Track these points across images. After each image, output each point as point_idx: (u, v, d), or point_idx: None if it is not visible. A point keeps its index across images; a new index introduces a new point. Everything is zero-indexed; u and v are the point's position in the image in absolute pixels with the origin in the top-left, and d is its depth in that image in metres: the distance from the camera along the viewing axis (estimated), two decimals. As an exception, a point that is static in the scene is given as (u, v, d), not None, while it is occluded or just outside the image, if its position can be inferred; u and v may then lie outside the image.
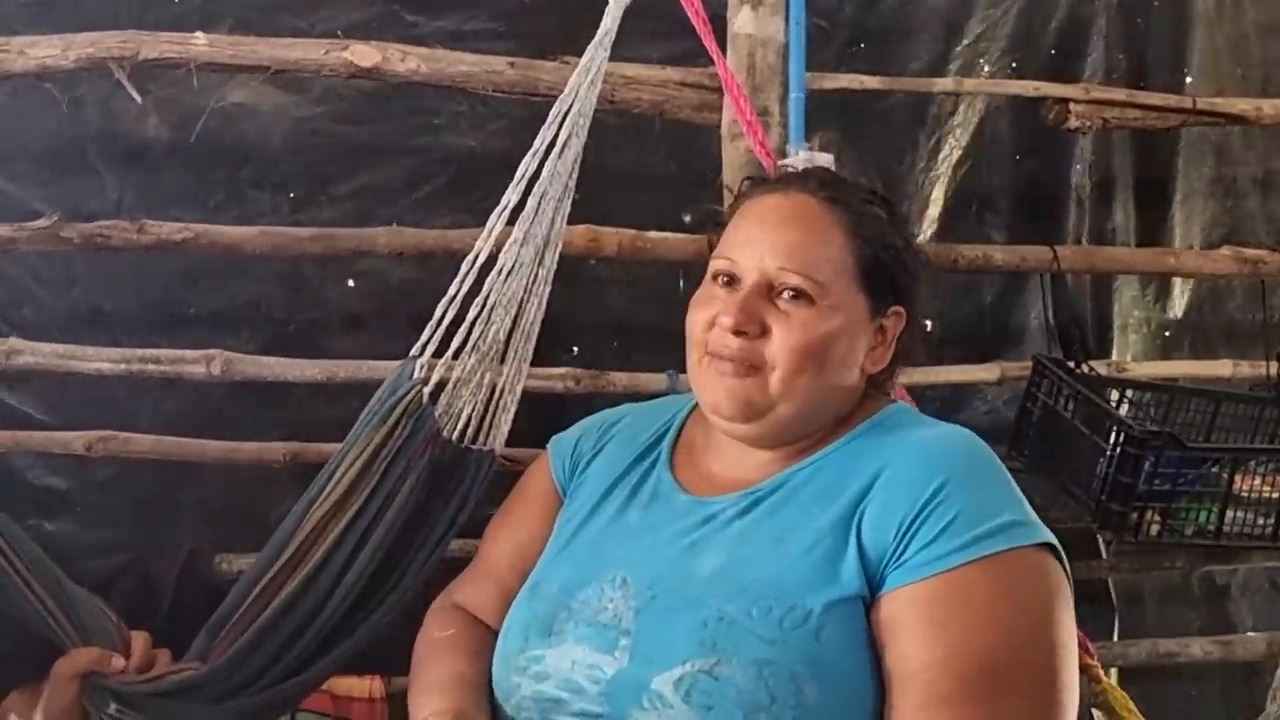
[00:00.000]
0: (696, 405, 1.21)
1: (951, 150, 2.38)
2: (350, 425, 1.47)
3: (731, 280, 1.12)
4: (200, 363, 1.92)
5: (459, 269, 1.50)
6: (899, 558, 0.98)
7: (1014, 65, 2.34)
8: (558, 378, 2.04)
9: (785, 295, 1.08)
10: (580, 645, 1.05)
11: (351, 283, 2.09)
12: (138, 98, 1.87)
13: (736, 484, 1.12)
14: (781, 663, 0.95)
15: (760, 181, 1.22)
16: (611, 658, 1.02)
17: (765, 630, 0.97)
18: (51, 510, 1.96)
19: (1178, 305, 2.52)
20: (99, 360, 1.90)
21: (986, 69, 2.34)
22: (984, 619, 0.94)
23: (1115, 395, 2.15)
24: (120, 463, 1.93)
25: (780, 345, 1.07)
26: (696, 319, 1.13)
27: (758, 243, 1.11)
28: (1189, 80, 2.44)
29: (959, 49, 2.35)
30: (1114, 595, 2.45)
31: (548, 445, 1.34)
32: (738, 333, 1.08)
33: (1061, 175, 2.45)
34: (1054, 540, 1.00)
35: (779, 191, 1.15)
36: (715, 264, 1.15)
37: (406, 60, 1.93)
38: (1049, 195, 2.45)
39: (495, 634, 1.20)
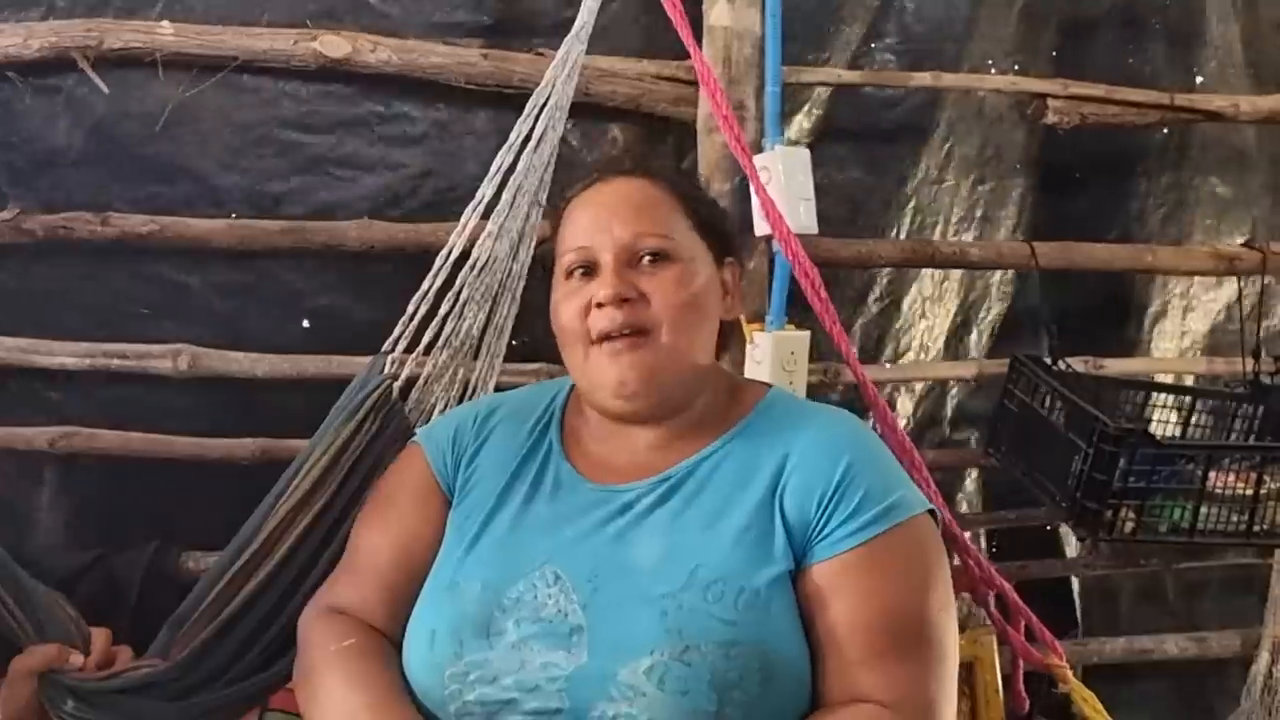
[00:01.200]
0: (571, 391, 1.26)
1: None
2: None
3: (589, 269, 1.17)
4: (166, 357, 1.89)
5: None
6: (821, 532, 1.08)
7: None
8: (530, 373, 2.02)
9: (646, 260, 1.15)
10: (528, 643, 1.04)
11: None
12: (104, 88, 1.84)
13: (639, 470, 1.15)
14: (744, 642, 1.01)
15: (575, 183, 1.26)
16: (567, 653, 1.03)
17: (724, 613, 1.02)
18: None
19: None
20: (63, 355, 1.86)
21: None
22: (901, 581, 1.07)
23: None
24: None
25: (661, 305, 1.13)
26: (567, 312, 1.16)
27: (603, 222, 1.17)
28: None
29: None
30: (1076, 593, 2.45)
31: (416, 439, 1.30)
32: (621, 301, 1.12)
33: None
34: (932, 505, 1.14)
35: (599, 182, 1.22)
36: (566, 259, 1.18)
37: (377, 51, 1.90)
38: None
39: (389, 638, 1.16)
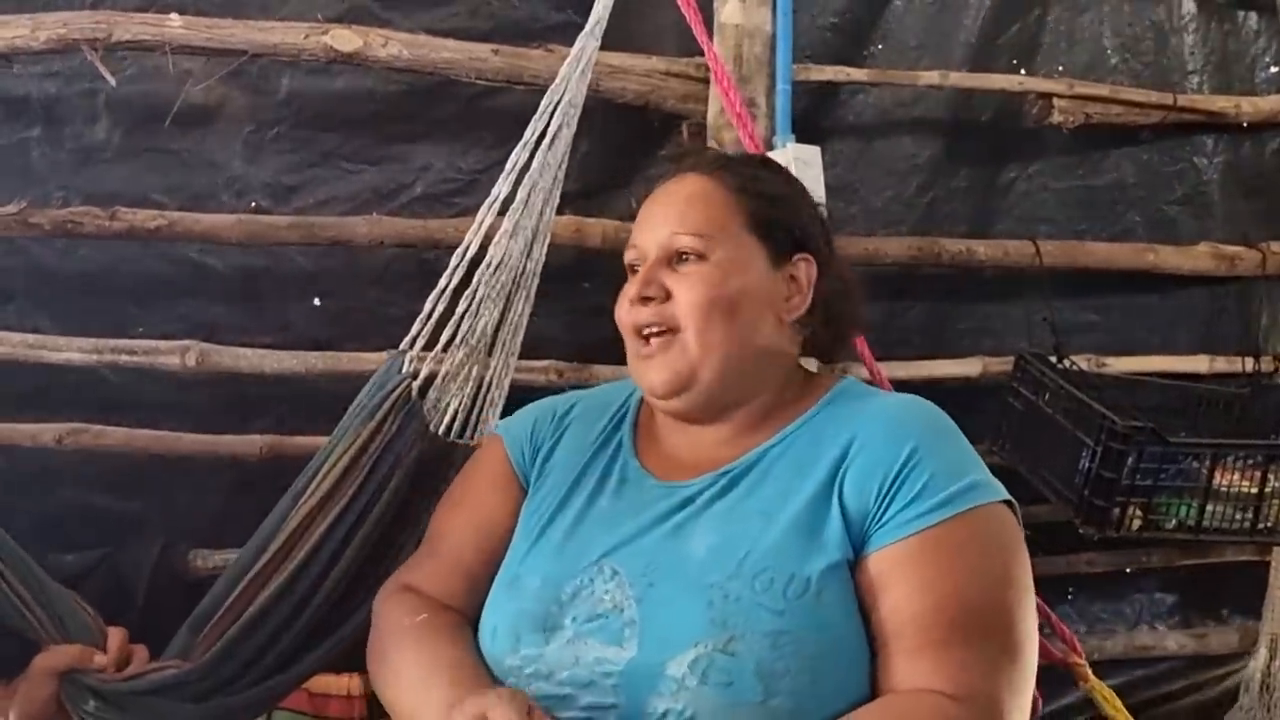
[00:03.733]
0: None
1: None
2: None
3: (638, 267, 1.18)
4: (175, 354, 1.87)
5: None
6: (880, 519, 1.04)
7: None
8: (540, 370, 2.02)
9: (682, 259, 1.15)
10: (583, 639, 1.04)
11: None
12: (111, 80, 1.82)
13: (705, 465, 1.14)
14: (792, 631, 0.99)
15: (657, 178, 1.26)
16: (619, 648, 1.02)
17: (772, 602, 1.01)
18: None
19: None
20: (70, 350, 1.85)
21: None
22: (965, 570, 1.02)
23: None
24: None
25: (683, 303, 1.13)
26: (620, 309, 1.19)
27: (653, 221, 1.18)
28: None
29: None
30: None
31: (496, 430, 1.32)
32: (644, 300, 1.14)
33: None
34: (1010, 497, 1.08)
35: (669, 178, 1.22)
36: (626, 257, 1.21)
37: (388, 46, 1.89)
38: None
39: (466, 619, 1.18)
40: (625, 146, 2.14)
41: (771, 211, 1.18)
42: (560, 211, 1.72)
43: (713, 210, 1.16)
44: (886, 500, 1.04)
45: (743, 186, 1.18)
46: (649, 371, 1.15)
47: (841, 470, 1.07)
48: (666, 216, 1.17)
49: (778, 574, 1.02)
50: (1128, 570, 2.46)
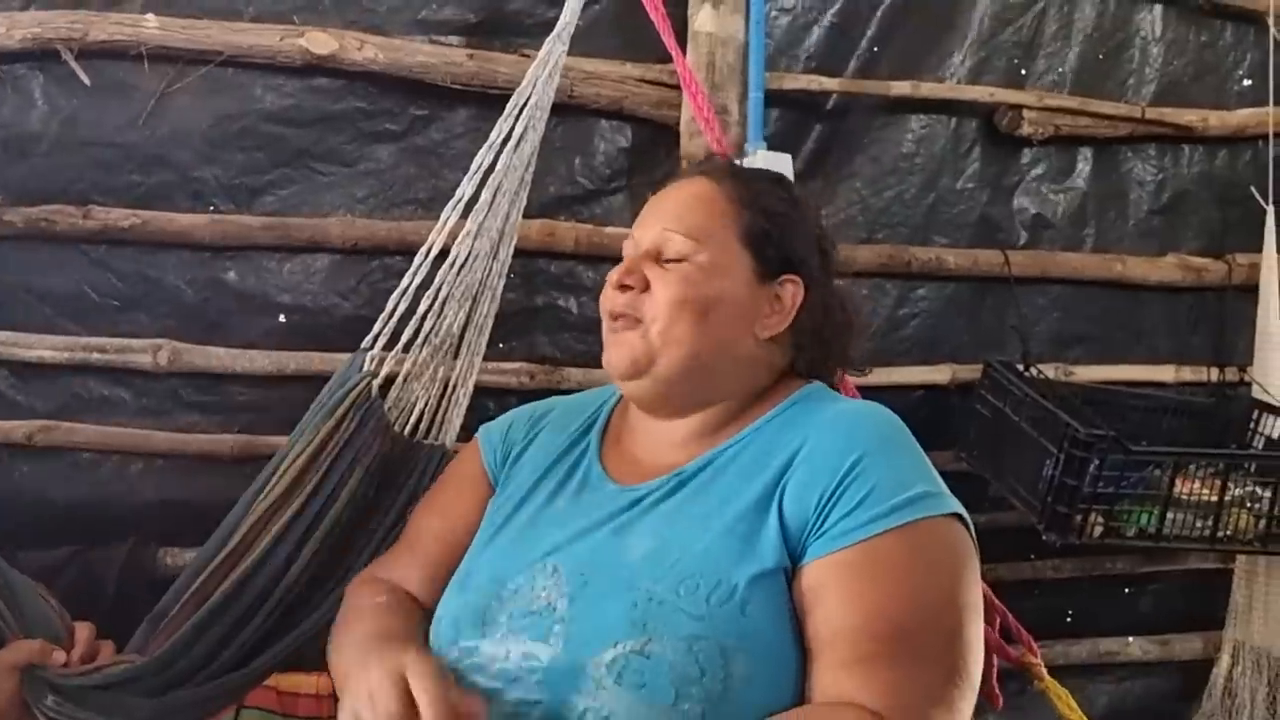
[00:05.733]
0: (622, 395, 1.26)
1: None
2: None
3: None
4: (146, 352, 1.88)
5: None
6: (819, 528, 1.03)
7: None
8: (511, 373, 2.03)
9: (668, 256, 1.16)
10: (515, 635, 1.05)
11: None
12: (86, 80, 1.83)
13: (660, 469, 1.15)
14: (710, 637, 0.98)
15: (666, 176, 1.29)
16: (546, 645, 1.03)
17: (693, 607, 1.00)
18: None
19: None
20: (40, 348, 1.85)
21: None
22: (901, 585, 0.99)
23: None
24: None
25: (657, 298, 1.15)
26: (602, 294, 1.21)
27: (649, 218, 1.21)
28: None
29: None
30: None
31: (478, 433, 1.34)
32: (622, 288, 1.16)
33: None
34: (962, 510, 1.05)
35: (679, 178, 1.25)
36: (624, 248, 1.23)
37: (364, 49, 1.91)
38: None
39: (424, 608, 1.21)
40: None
41: (767, 227, 1.18)
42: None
43: (709, 214, 1.18)
44: (826, 509, 1.02)
45: (744, 198, 1.19)
46: (609, 350, 1.18)
47: (785, 477, 1.06)
48: (664, 213, 1.19)
49: (704, 579, 1.01)
50: (1094, 576, 2.49)
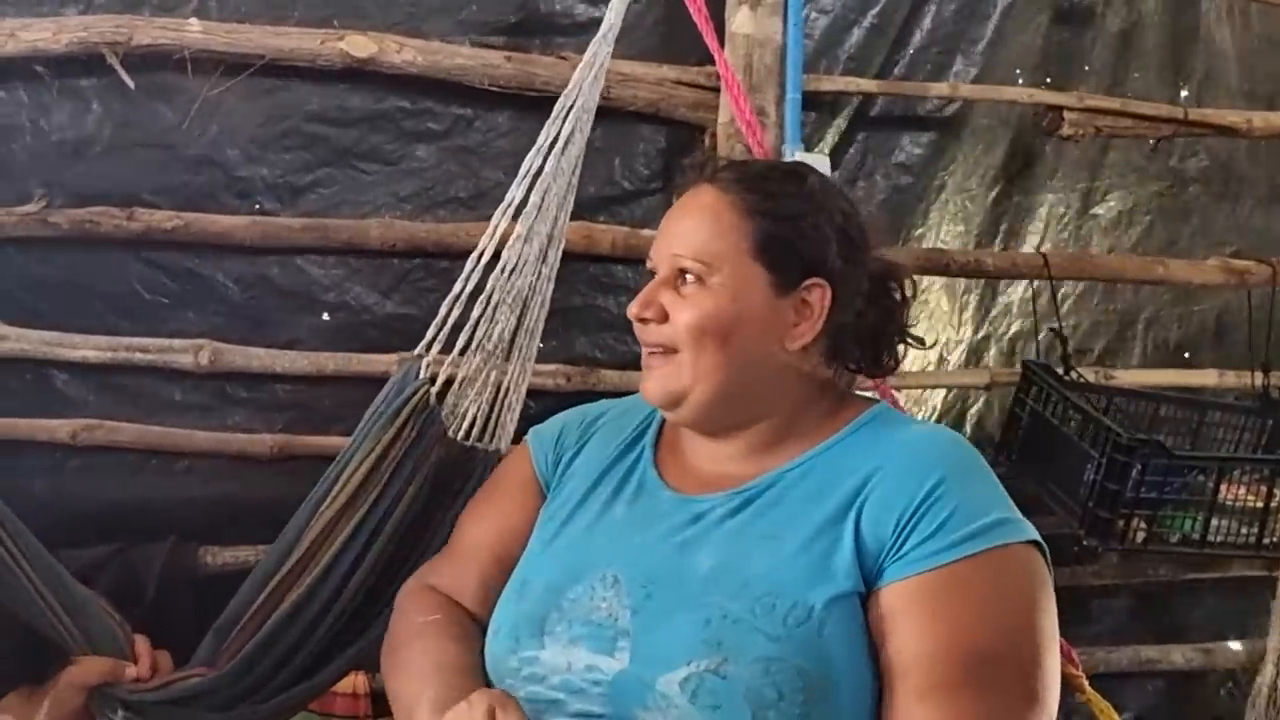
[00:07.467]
0: None
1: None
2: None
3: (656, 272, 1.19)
4: (188, 352, 1.90)
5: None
6: (897, 552, 1.01)
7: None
8: (548, 374, 2.03)
9: (684, 280, 1.13)
10: (576, 645, 1.04)
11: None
12: (130, 83, 1.85)
13: (721, 481, 1.13)
14: (787, 659, 0.97)
15: (683, 183, 1.25)
16: (611, 658, 1.02)
17: (770, 627, 0.98)
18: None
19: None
20: (85, 348, 1.87)
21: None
22: (978, 611, 0.98)
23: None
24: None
25: (677, 326, 1.12)
26: (630, 309, 1.19)
27: (665, 236, 1.18)
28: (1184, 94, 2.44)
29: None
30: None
31: (527, 436, 1.33)
32: (640, 320, 1.15)
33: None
34: (1039, 538, 1.04)
35: (690, 187, 1.20)
36: (648, 261, 1.20)
37: (403, 52, 1.91)
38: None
39: (477, 620, 1.20)
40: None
41: (782, 236, 1.13)
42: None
43: (717, 232, 1.13)
44: (904, 533, 1.01)
45: (755, 208, 1.13)
46: (646, 383, 1.17)
47: (860, 500, 1.04)
48: (674, 235, 1.16)
49: (780, 599, 0.99)
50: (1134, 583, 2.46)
